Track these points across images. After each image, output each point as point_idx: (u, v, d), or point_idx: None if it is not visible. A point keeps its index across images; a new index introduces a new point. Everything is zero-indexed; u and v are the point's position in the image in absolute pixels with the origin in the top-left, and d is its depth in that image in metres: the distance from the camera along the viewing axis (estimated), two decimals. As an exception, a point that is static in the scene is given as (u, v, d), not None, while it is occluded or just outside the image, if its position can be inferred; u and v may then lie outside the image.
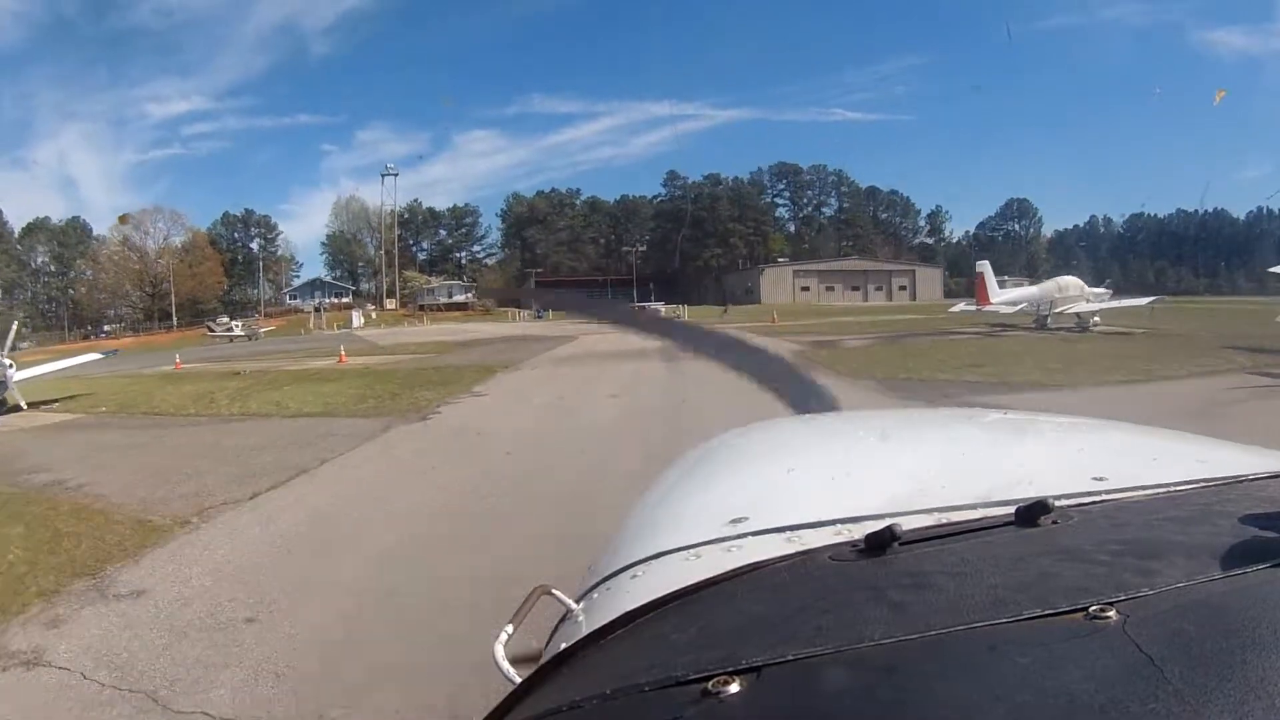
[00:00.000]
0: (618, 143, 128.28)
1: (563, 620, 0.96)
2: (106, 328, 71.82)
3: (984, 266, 29.78)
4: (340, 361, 23.59)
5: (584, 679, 0.67)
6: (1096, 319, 26.12)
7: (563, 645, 0.79)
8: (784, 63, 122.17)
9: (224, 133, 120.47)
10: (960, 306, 32.45)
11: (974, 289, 30.29)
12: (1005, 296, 29.52)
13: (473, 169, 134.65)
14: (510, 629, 0.89)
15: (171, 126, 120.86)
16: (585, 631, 0.80)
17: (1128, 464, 1.11)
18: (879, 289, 75.66)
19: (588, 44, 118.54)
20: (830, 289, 75.06)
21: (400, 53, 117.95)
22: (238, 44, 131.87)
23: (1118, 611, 0.57)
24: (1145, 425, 1.55)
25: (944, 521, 0.88)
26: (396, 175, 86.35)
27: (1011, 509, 0.83)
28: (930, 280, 76.36)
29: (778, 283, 73.94)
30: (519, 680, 0.74)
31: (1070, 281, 28.92)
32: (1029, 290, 30.16)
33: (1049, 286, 29.00)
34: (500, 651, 0.85)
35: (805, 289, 74.39)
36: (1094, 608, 0.58)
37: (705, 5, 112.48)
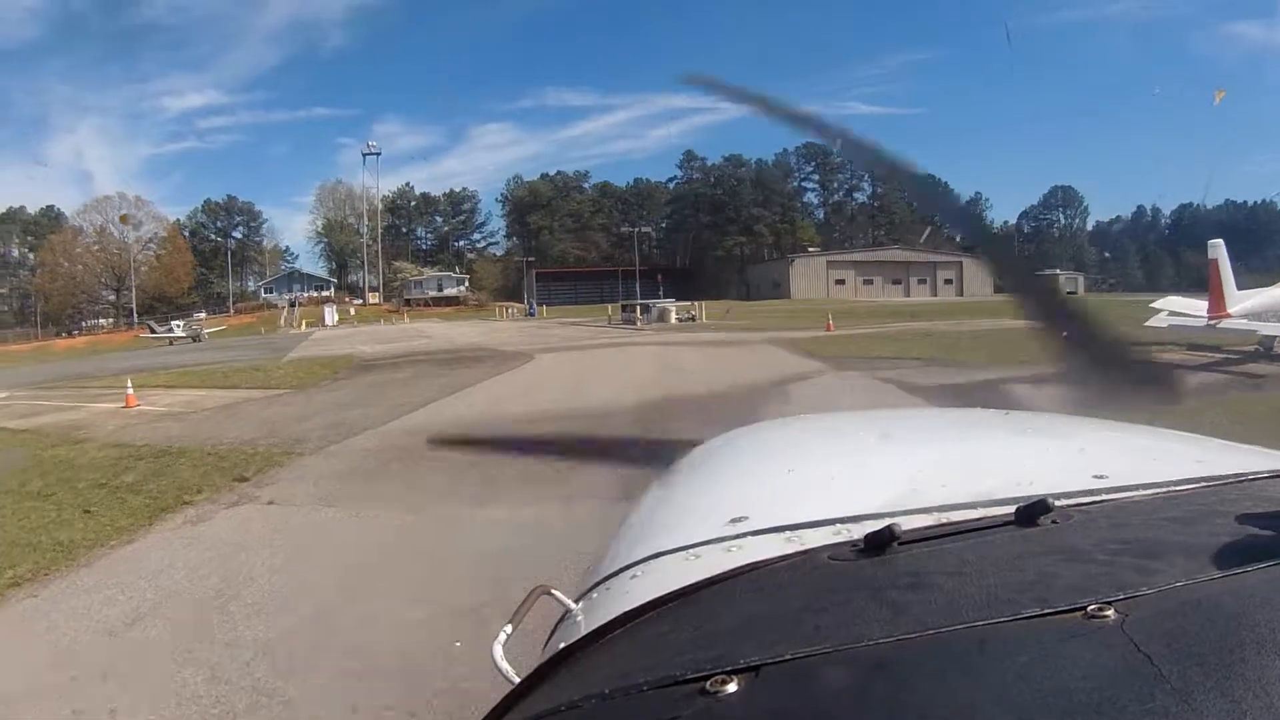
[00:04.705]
0: (633, 135, 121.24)
1: (562, 620, 0.94)
2: (83, 324, 68.02)
3: (1218, 250, 16.18)
4: (126, 405, 14.80)
5: (583, 679, 0.67)
6: None
7: (562, 645, 0.79)
8: (801, 56, 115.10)
9: (239, 126, 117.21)
10: (1164, 317, 17.51)
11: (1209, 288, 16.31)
12: (1249, 304, 16.28)
13: (486, 162, 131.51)
14: (509, 629, 0.88)
15: (186, 120, 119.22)
16: (584, 631, 0.79)
17: (1128, 464, 1.09)
18: (922, 282, 68.66)
19: (601, 36, 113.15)
20: (869, 282, 68.04)
21: (413, 45, 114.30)
22: (250, 38, 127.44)
23: (1116, 611, 0.57)
24: (1145, 425, 1.50)
25: (943, 521, 0.87)
26: (379, 154, 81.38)
27: (1011, 509, 0.82)
28: (978, 273, 68.83)
29: (809, 275, 67.28)
30: (518, 680, 0.74)
31: None
32: (1277, 294, 16.92)
33: None
34: (499, 651, 0.84)
35: (840, 282, 67.49)
36: (1092, 607, 0.57)
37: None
